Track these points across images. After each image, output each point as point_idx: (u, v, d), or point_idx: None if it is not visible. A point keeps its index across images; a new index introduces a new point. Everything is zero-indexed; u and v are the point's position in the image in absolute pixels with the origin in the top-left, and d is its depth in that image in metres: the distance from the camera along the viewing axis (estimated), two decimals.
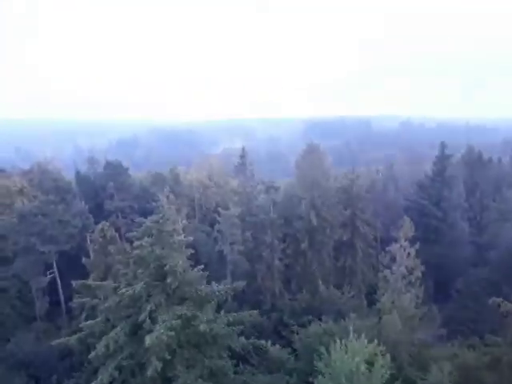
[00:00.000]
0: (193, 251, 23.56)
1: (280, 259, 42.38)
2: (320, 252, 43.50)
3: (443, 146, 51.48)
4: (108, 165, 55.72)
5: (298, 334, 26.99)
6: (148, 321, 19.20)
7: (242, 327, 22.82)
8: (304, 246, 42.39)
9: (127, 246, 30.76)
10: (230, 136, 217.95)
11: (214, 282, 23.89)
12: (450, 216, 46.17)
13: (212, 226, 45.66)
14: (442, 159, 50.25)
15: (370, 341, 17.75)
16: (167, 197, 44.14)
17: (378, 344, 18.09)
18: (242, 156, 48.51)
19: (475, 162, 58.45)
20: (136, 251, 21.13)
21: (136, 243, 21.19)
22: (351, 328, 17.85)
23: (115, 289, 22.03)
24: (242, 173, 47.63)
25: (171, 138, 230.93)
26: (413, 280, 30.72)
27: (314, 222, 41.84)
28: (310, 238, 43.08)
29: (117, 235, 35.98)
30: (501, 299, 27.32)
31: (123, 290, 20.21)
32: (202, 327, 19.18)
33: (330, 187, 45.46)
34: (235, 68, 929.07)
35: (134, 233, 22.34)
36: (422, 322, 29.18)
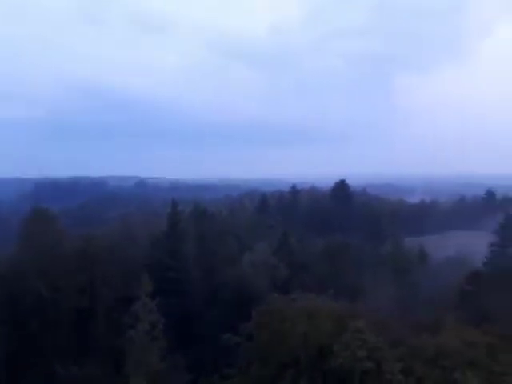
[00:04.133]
0: None
1: None
2: (55, 327, 38.58)
3: (174, 203, 56.67)
4: None
5: None
6: None
7: None
8: (34, 325, 36.68)
9: None
10: None
11: None
12: (184, 266, 50.50)
13: None
14: (174, 215, 55.07)
15: None
16: None
17: None
18: None
19: (201, 215, 66.66)
20: None
21: None
22: None
23: None
24: None
25: None
26: (156, 334, 31.65)
27: (45, 293, 37.15)
28: (42, 314, 37.77)
29: None
30: (229, 334, 31.63)
31: None
32: None
33: (63, 253, 41.85)
34: None
35: None
36: (168, 373, 30.12)
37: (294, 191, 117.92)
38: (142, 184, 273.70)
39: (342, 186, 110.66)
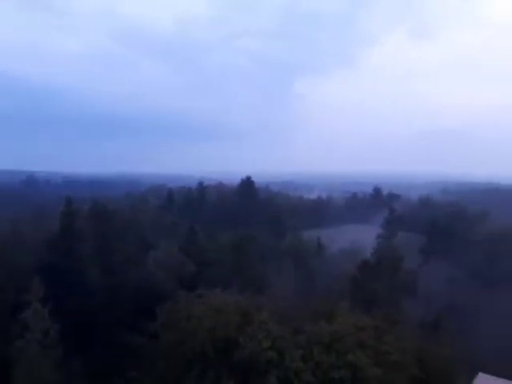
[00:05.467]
0: None
1: None
2: None
3: (69, 200, 52.38)
4: None
5: None
6: None
7: None
8: None
9: None
10: None
11: None
12: (81, 268, 47.12)
13: None
14: (68, 214, 50.93)
15: None
16: None
17: None
18: None
19: (101, 213, 62.74)
20: None
21: None
22: None
23: None
24: None
25: None
26: (49, 342, 29.27)
27: None
28: None
29: None
30: (133, 335, 30.69)
31: None
32: None
33: None
34: None
35: None
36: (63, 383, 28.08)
37: (202, 187, 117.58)
38: (31, 179, 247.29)
39: (247, 182, 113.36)
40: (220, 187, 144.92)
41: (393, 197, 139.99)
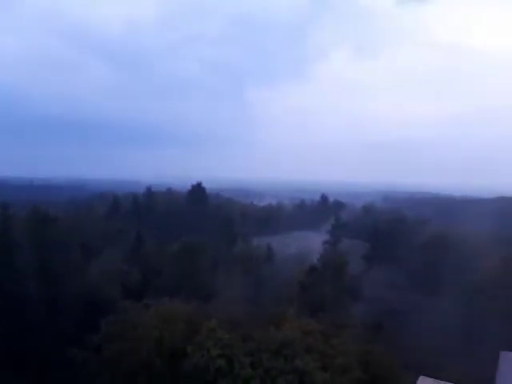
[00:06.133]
0: None
1: None
2: None
3: (4, 206, 49.17)
4: None
5: None
6: None
7: None
8: None
9: None
10: None
11: None
12: (18, 279, 44.15)
13: None
14: (4, 220, 47.73)
15: None
16: None
17: None
18: None
19: (41, 220, 59.18)
20: None
21: None
22: None
23: None
24: None
25: None
26: None
27: None
28: None
29: None
30: (75, 349, 29.22)
31: None
32: None
33: None
34: None
35: None
36: None
37: (150, 193, 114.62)
38: None
39: (198, 189, 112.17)
40: (169, 193, 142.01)
41: (338, 204, 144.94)
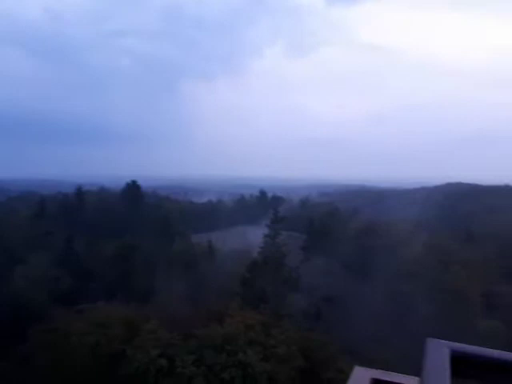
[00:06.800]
0: None
1: None
2: None
3: None
4: None
5: None
6: None
7: None
8: None
9: None
10: None
11: None
12: None
13: None
14: None
15: None
16: None
17: None
18: None
19: None
20: None
21: None
22: None
23: None
24: None
25: None
26: None
27: None
28: None
29: None
30: None
31: None
32: None
33: None
34: None
35: None
36: None
37: (80, 193, 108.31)
38: None
39: (133, 187, 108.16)
40: (102, 192, 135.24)
41: (277, 199, 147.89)
